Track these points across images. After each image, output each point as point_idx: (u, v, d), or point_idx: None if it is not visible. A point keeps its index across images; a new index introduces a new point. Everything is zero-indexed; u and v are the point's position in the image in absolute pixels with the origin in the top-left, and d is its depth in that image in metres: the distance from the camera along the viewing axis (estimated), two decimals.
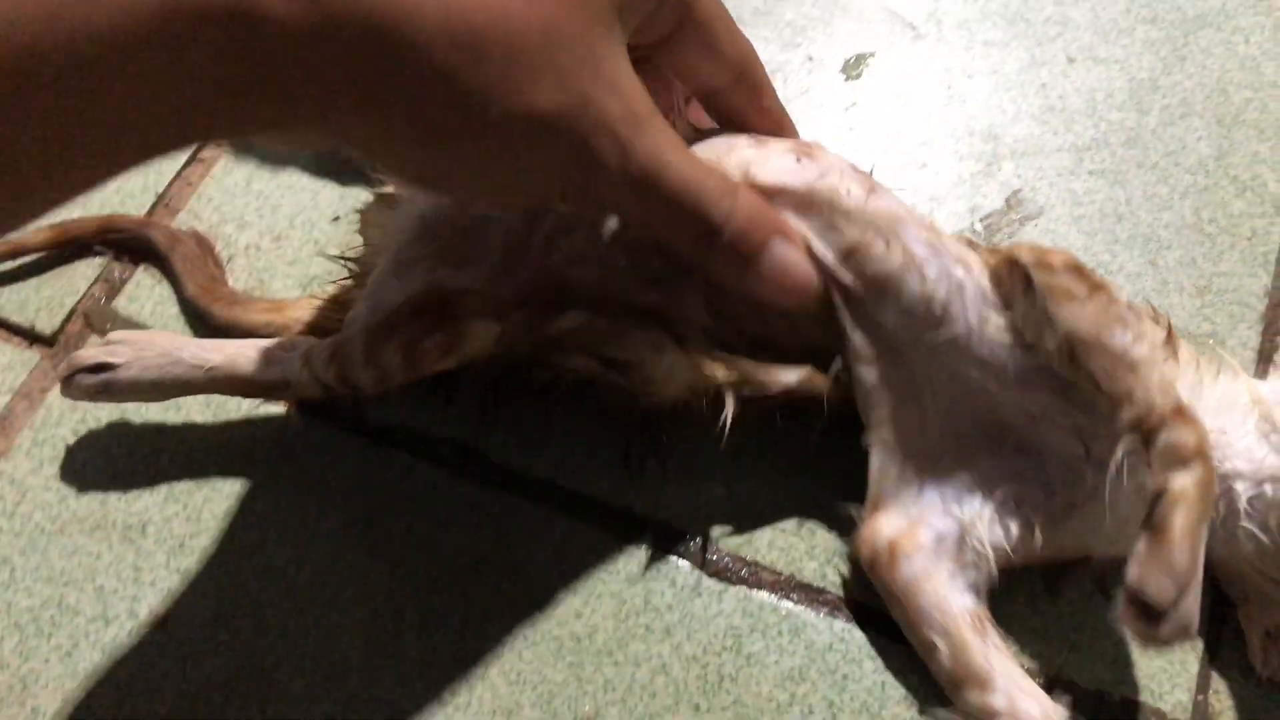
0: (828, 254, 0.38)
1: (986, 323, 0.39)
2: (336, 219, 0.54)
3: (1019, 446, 0.41)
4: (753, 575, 0.45)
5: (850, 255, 0.38)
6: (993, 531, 0.40)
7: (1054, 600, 0.44)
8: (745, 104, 0.39)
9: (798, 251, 0.35)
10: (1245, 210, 0.53)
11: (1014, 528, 0.40)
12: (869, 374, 0.40)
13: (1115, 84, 0.57)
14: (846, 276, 0.39)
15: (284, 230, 0.54)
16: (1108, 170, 0.54)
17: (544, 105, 0.28)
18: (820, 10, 0.60)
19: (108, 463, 0.49)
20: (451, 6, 0.26)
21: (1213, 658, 0.43)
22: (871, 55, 0.58)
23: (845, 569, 0.45)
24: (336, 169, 0.55)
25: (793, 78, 0.58)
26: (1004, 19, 0.59)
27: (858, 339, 0.40)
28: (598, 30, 0.29)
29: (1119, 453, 0.36)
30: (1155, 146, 0.55)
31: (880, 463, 0.42)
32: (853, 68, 0.58)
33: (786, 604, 0.45)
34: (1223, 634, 0.43)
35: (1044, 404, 0.39)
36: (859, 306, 0.39)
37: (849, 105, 0.56)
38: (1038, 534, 0.40)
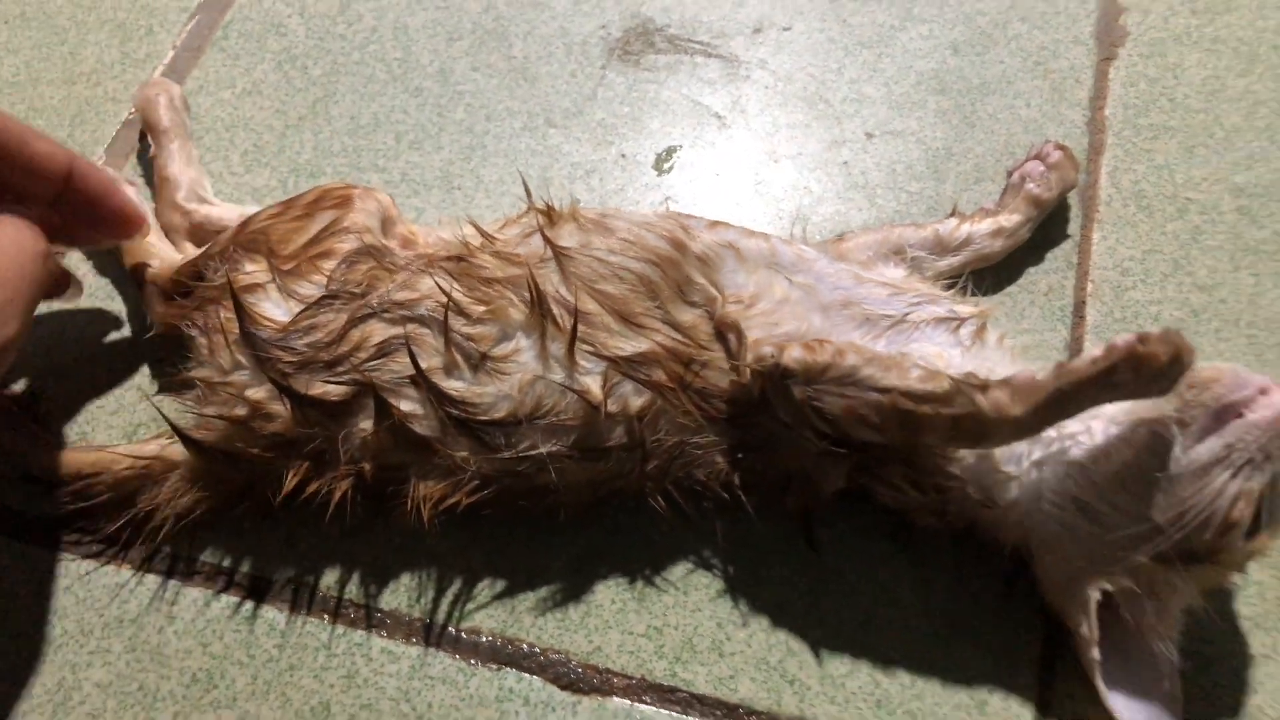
0: None
1: None
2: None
3: None
4: (604, 683, 0.46)
5: None
6: None
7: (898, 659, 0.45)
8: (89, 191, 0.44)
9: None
10: (1041, 267, 0.56)
11: None
12: None
13: (913, 155, 0.60)
14: None
15: None
16: None
17: None
18: (629, 107, 0.62)
19: None
20: None
21: (1047, 705, 0.45)
22: (680, 148, 0.60)
23: (696, 667, 0.46)
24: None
25: (608, 176, 0.59)
26: (804, 101, 0.62)
27: None
28: None
29: None
30: (944, 209, 0.58)
31: None
32: (664, 161, 0.60)
33: (641, 708, 0.45)
34: (1051, 684, 0.45)
35: None
36: None
37: (663, 199, 0.58)
38: None
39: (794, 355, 0.42)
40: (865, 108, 0.62)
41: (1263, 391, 0.40)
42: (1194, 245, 0.57)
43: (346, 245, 0.46)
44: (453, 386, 0.43)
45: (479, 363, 0.43)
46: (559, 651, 0.46)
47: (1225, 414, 0.40)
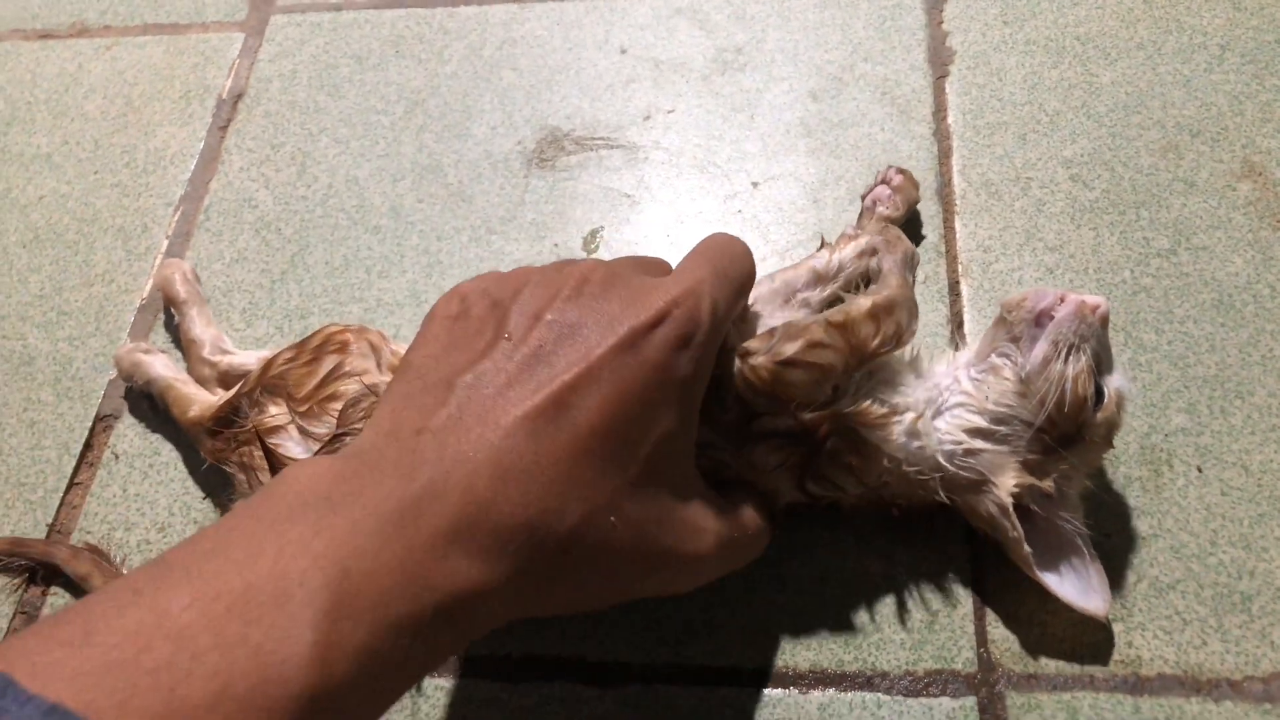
0: None
1: None
2: (206, 497, 0.64)
3: None
4: (625, 675, 0.55)
5: None
6: None
7: (851, 606, 0.55)
8: None
9: None
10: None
11: None
12: None
13: (794, 192, 0.71)
14: None
15: (165, 520, 0.63)
16: None
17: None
18: (553, 204, 0.73)
19: None
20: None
21: (981, 617, 0.54)
22: (602, 229, 0.71)
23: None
24: (200, 464, 0.65)
25: (544, 262, 0.70)
26: (696, 168, 0.73)
27: None
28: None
29: None
30: (834, 231, 0.68)
31: None
32: (590, 242, 0.71)
33: (663, 688, 0.54)
34: (986, 593, 0.55)
35: None
36: None
37: None
38: None
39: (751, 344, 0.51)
40: (748, 162, 0.73)
41: (1061, 299, 0.51)
42: (1039, 215, 0.67)
43: (350, 388, 0.56)
44: None
45: None
46: (580, 655, 0.56)
47: (1041, 320, 0.52)
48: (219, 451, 0.59)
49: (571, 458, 0.37)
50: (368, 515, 0.33)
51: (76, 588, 0.61)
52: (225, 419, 0.58)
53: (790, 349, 0.49)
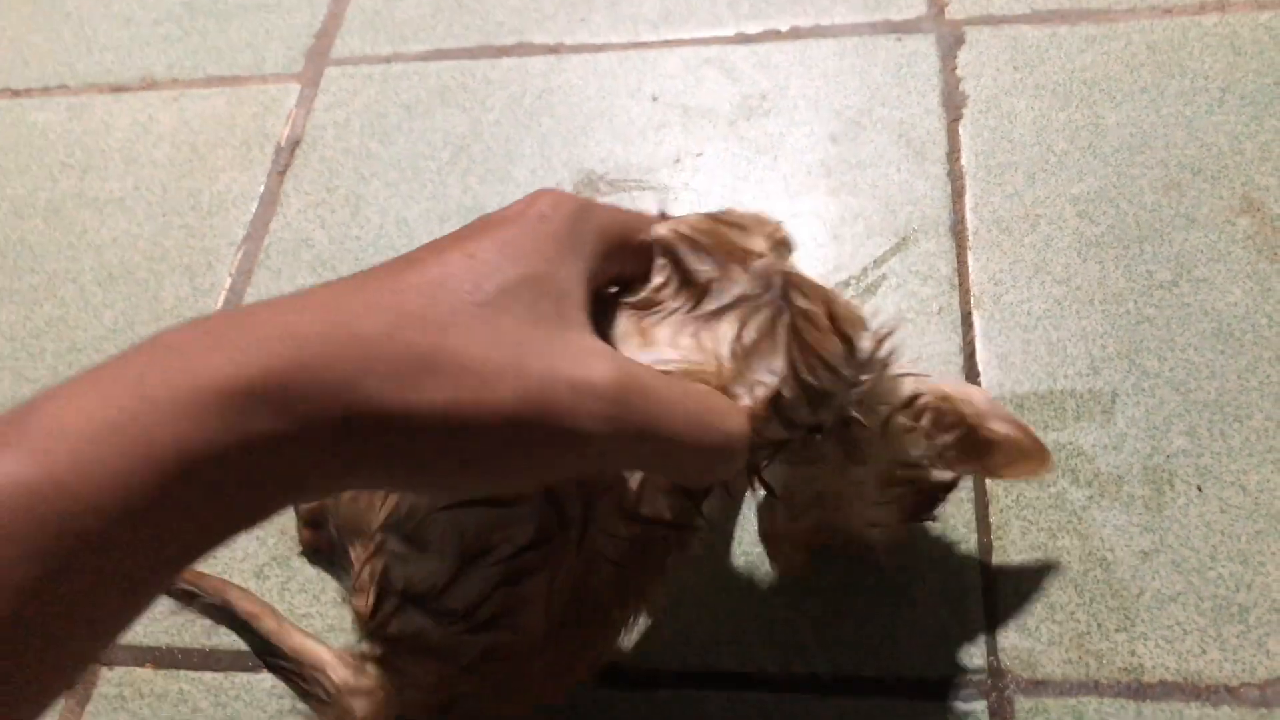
0: None
1: None
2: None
3: None
4: (652, 679, 0.59)
5: None
6: None
7: (870, 614, 0.59)
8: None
9: None
10: (931, 293, 0.71)
11: None
12: None
13: (814, 229, 0.75)
14: None
15: None
16: None
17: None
18: None
19: None
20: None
21: (992, 626, 0.58)
22: None
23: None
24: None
25: None
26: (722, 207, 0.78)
27: None
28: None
29: None
30: (853, 266, 0.73)
31: None
32: None
33: (690, 693, 0.58)
34: (997, 603, 0.58)
35: None
36: None
37: None
38: None
39: None
40: (771, 201, 0.78)
41: None
42: (1048, 250, 0.71)
43: None
44: None
45: None
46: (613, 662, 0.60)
47: None
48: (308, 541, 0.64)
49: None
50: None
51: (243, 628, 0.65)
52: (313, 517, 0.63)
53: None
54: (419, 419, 0.28)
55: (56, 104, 0.96)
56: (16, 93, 0.97)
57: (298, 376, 0.27)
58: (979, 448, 0.49)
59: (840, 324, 0.40)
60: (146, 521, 0.24)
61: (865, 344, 0.41)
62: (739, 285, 0.39)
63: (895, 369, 0.45)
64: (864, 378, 0.41)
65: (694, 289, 0.39)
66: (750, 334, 0.38)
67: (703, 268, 0.40)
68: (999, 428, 0.49)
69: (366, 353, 0.28)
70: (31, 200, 0.89)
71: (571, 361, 0.30)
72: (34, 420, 0.25)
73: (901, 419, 0.46)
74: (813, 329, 0.39)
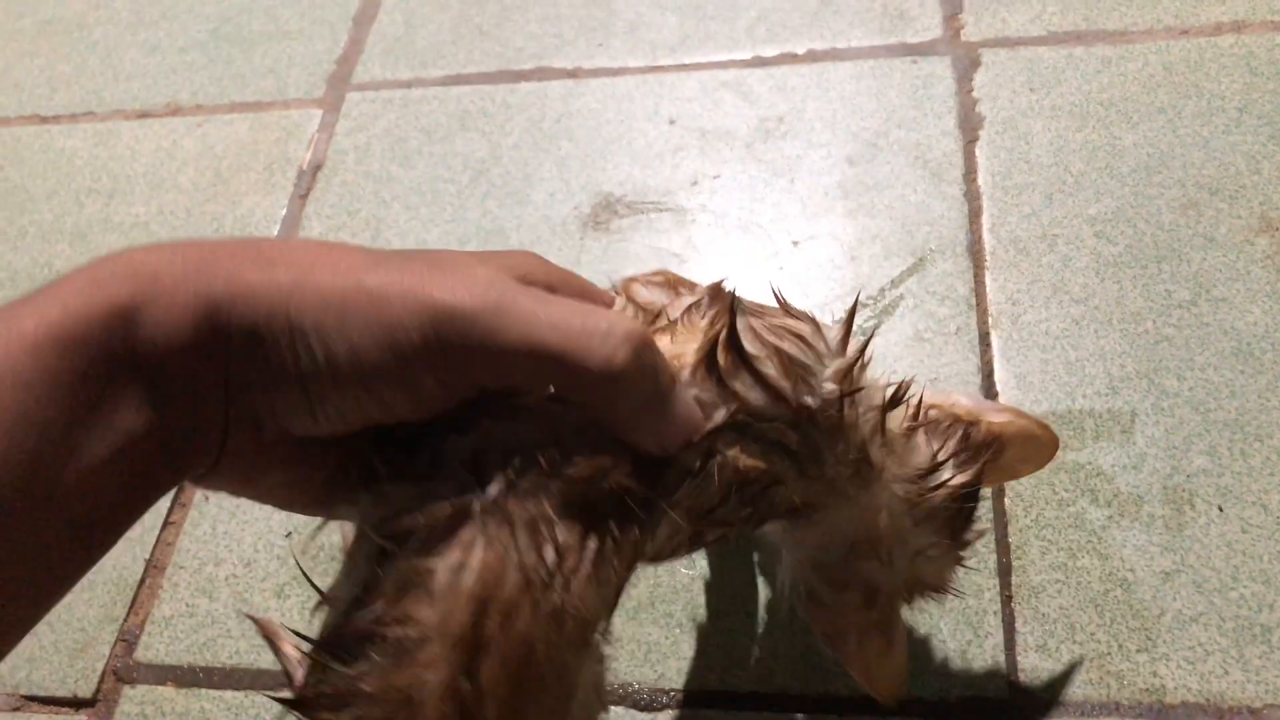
0: None
1: None
2: (289, 535, 0.69)
3: None
4: (672, 700, 0.59)
5: None
6: None
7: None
8: None
9: None
10: (948, 313, 0.71)
11: None
12: None
13: (832, 250, 0.76)
14: None
15: (250, 556, 0.69)
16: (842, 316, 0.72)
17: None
18: (607, 264, 0.78)
19: None
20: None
21: (1012, 647, 0.58)
22: None
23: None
24: None
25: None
26: (740, 229, 0.78)
27: None
28: None
29: None
30: (871, 286, 0.73)
31: None
32: None
33: (706, 712, 0.58)
34: (1016, 623, 0.58)
35: None
36: None
37: None
38: None
39: None
40: (789, 223, 0.78)
41: None
42: (1065, 270, 0.71)
43: None
44: None
45: None
46: (630, 682, 0.60)
47: None
48: None
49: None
50: None
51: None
52: None
53: None
54: (283, 288, 0.30)
55: (83, 130, 0.97)
56: (45, 119, 0.99)
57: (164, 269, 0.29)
58: (985, 446, 0.47)
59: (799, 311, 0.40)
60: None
61: (832, 332, 0.41)
62: (692, 298, 0.40)
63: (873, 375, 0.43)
64: (836, 362, 0.40)
65: (650, 315, 0.40)
66: (701, 310, 0.39)
67: (655, 298, 0.40)
68: (996, 418, 0.48)
69: (244, 254, 0.31)
70: (59, 225, 0.90)
71: (454, 284, 0.31)
72: None
73: (896, 421, 0.44)
74: (770, 311, 0.40)
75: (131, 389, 0.28)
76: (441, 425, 0.33)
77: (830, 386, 0.39)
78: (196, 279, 0.29)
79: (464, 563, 0.30)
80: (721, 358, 0.36)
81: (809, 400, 0.38)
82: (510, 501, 0.31)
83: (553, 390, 0.33)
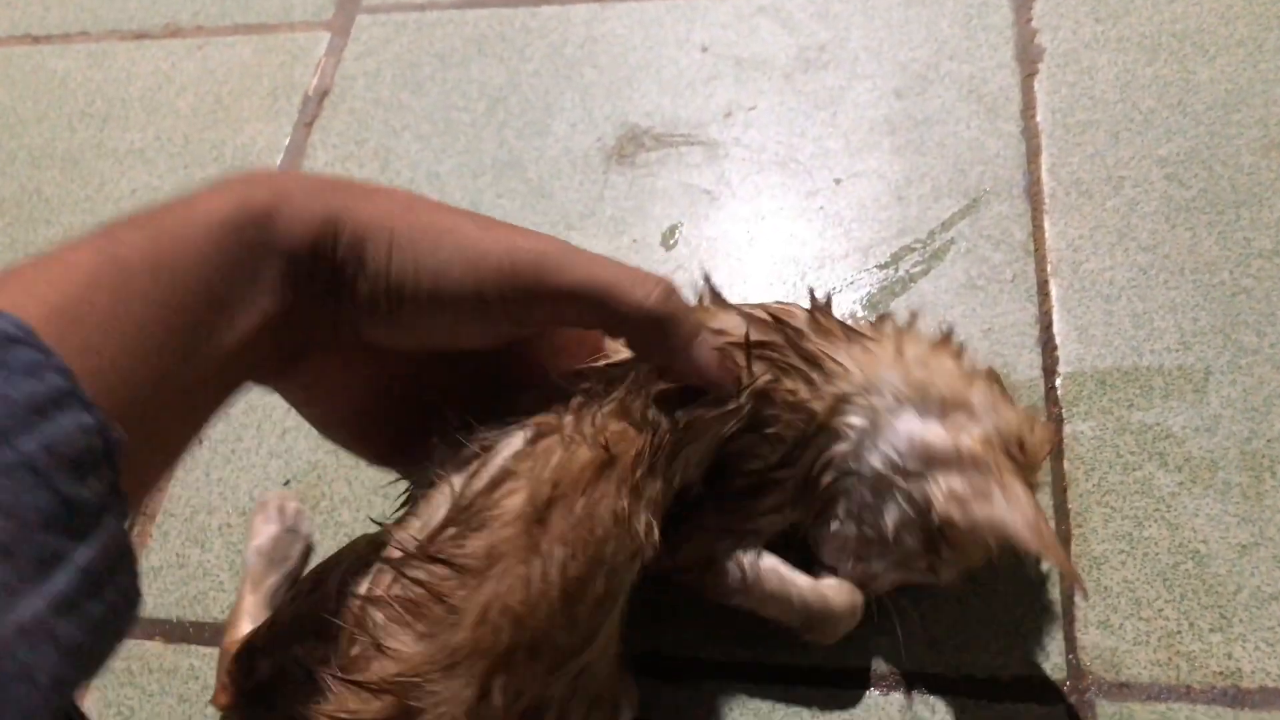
0: None
1: None
2: (287, 483, 0.64)
3: None
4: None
5: None
6: None
7: (935, 607, 0.54)
8: None
9: None
10: (1003, 259, 0.65)
11: None
12: None
13: (877, 189, 0.70)
14: None
15: (245, 504, 0.64)
16: (887, 259, 0.67)
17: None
18: (632, 200, 0.73)
19: None
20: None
21: (1071, 622, 0.53)
22: (681, 224, 0.71)
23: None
24: (285, 450, 0.66)
25: (624, 258, 0.69)
26: (778, 165, 0.72)
27: None
28: None
29: None
30: (919, 229, 0.67)
31: None
32: (669, 238, 0.71)
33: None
34: (1074, 603, 0.53)
35: None
36: None
37: (672, 270, 0.68)
38: None
39: None
40: (830, 159, 0.72)
41: None
42: (1132, 214, 0.66)
43: None
44: None
45: None
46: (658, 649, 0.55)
47: None
48: None
49: None
50: None
51: None
52: None
53: None
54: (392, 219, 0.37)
55: (76, 51, 0.92)
56: (36, 39, 0.93)
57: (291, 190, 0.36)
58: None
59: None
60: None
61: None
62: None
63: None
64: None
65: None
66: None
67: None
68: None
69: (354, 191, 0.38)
70: (49, 150, 0.85)
71: (531, 234, 0.39)
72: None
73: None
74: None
75: (271, 274, 0.35)
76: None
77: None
78: (319, 196, 0.36)
79: (546, 461, 0.40)
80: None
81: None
82: (572, 417, 0.41)
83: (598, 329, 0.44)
